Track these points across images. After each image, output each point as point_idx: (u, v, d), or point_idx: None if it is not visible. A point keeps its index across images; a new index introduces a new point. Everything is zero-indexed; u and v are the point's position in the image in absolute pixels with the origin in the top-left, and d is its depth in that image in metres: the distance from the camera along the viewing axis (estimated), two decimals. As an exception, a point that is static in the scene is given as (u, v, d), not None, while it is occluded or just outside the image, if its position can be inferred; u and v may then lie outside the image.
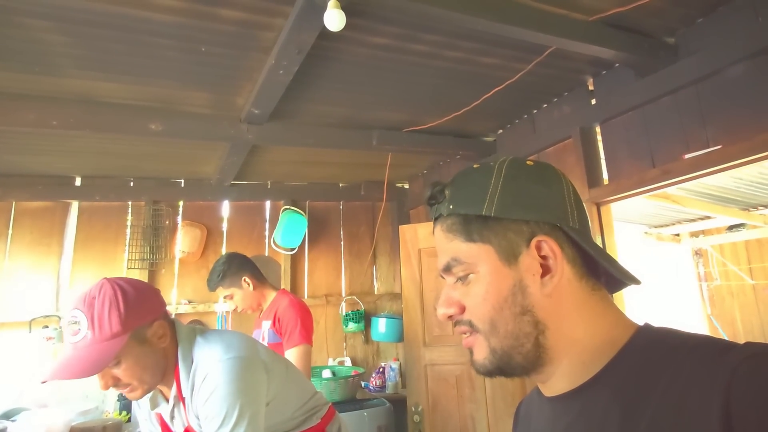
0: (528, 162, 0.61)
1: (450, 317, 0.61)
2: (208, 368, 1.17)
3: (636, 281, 0.60)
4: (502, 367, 0.58)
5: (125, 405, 2.94)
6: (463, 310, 0.60)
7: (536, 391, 0.66)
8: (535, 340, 0.56)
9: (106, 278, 1.13)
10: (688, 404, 0.45)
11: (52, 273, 3.07)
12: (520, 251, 0.57)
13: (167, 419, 1.30)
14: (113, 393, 2.97)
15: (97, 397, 2.96)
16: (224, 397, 1.13)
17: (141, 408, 1.36)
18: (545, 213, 0.58)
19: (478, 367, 0.60)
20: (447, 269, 0.61)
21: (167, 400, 1.27)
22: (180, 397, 1.22)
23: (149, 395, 1.28)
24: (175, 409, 1.27)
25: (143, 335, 1.13)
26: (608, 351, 0.55)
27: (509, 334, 0.56)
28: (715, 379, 0.44)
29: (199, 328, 1.31)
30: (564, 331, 0.56)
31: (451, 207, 0.61)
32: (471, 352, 0.61)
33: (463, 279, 0.60)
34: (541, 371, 0.58)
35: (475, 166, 0.63)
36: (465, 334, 0.61)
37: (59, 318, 2.95)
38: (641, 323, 0.58)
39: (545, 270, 0.57)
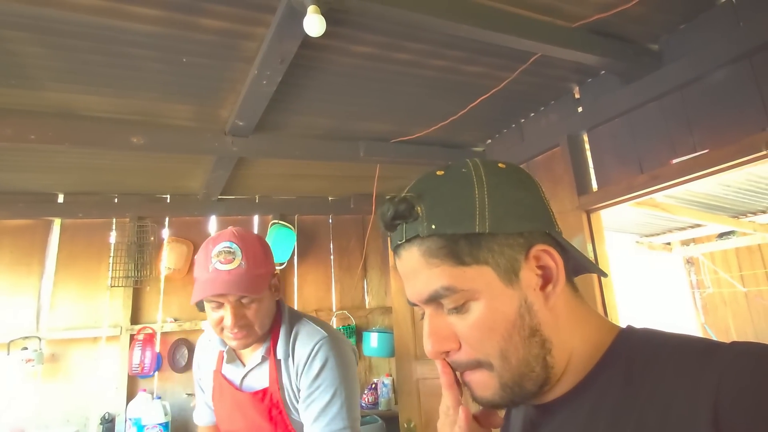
0: (500, 165, 0.56)
1: (445, 354, 0.53)
2: (315, 341, 1.20)
3: (604, 273, 0.61)
4: (513, 400, 0.53)
5: (108, 429, 2.84)
6: (459, 344, 0.53)
7: None
8: (543, 361, 0.51)
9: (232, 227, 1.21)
10: (674, 406, 0.43)
11: (32, 293, 2.98)
12: (520, 266, 0.52)
13: (235, 380, 1.27)
14: (95, 416, 2.87)
15: (78, 422, 2.86)
16: (334, 371, 1.17)
17: (201, 368, 1.39)
18: (536, 221, 0.54)
19: (485, 404, 0.54)
20: (433, 299, 0.52)
21: (243, 364, 1.27)
22: (272, 357, 1.22)
23: (226, 350, 1.27)
24: (256, 369, 1.25)
25: (271, 282, 1.22)
26: (594, 355, 0.53)
27: (521, 361, 0.51)
28: (701, 380, 0.43)
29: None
30: (564, 343, 0.53)
31: (433, 227, 0.51)
32: (469, 386, 0.54)
33: (458, 309, 0.52)
34: (544, 391, 0.54)
35: (438, 173, 0.55)
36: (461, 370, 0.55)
37: (40, 339, 2.86)
38: (623, 325, 0.56)
39: (544, 281, 0.53)
